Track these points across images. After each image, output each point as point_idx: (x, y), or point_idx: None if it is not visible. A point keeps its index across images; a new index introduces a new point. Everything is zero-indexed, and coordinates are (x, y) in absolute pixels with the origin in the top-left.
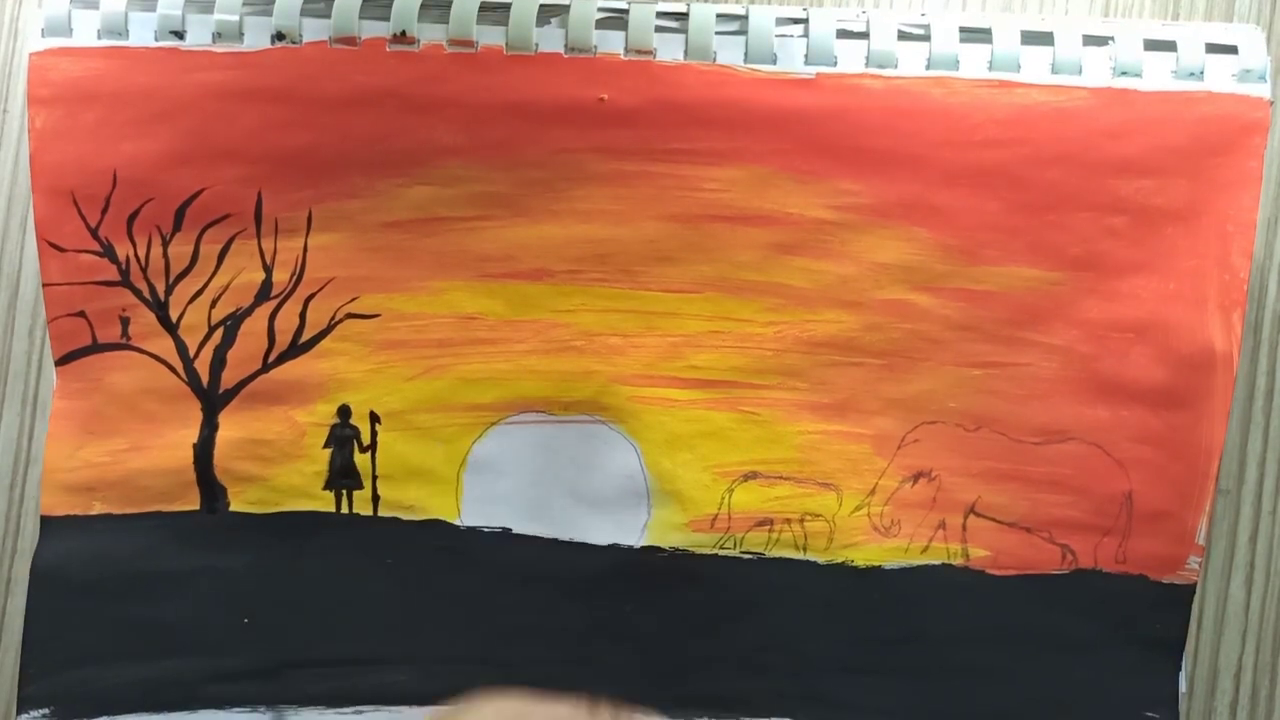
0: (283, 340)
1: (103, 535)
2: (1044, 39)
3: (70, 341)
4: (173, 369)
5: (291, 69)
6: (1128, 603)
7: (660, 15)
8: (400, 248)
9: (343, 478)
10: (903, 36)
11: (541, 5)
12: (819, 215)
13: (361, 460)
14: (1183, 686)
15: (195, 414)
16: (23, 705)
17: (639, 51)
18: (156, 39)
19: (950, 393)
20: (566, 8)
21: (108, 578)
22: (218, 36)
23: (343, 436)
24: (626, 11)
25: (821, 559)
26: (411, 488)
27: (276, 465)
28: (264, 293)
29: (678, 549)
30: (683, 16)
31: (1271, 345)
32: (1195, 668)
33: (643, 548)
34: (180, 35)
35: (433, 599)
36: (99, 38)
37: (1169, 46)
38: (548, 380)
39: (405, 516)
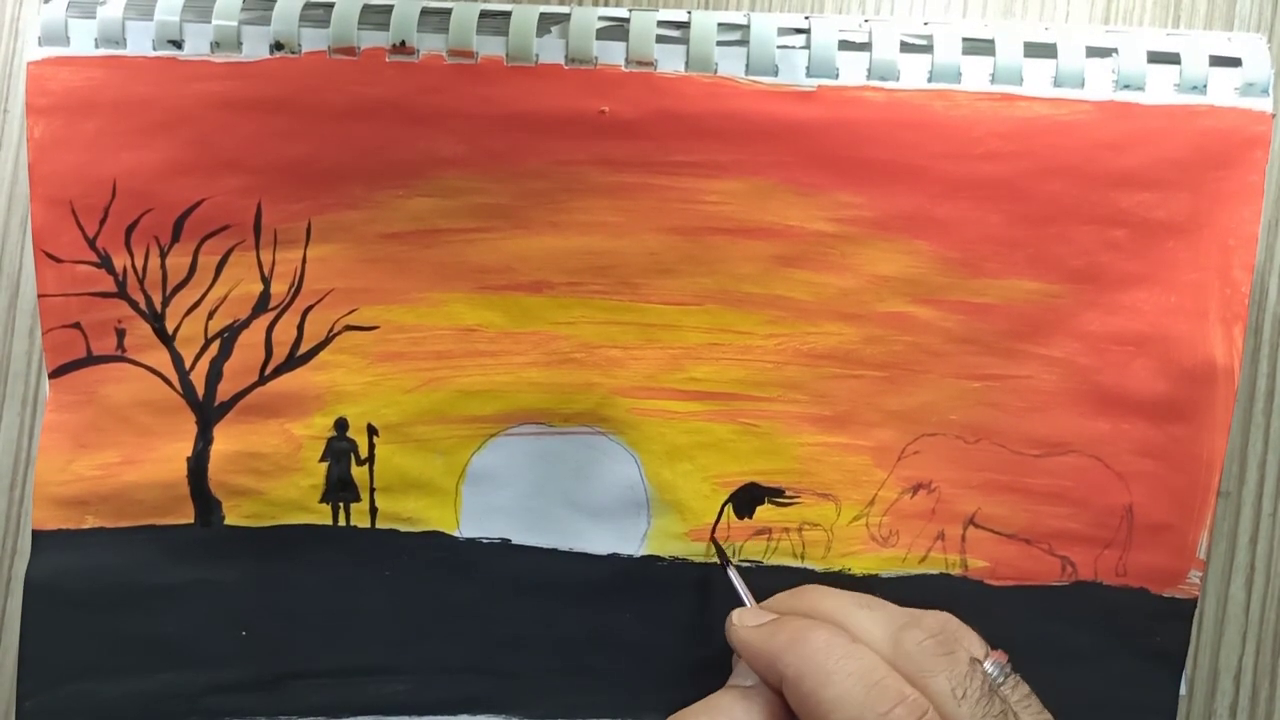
0: (280, 352)
1: (96, 549)
2: (1047, 51)
3: (65, 354)
4: (168, 381)
5: (290, 79)
6: (1128, 615)
7: (661, 24)
8: (399, 259)
9: (340, 491)
10: (905, 48)
11: (542, 14)
12: (820, 228)
13: (359, 473)
14: (1182, 689)
15: (190, 427)
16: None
17: (640, 63)
18: (154, 48)
19: (950, 405)
20: (567, 16)
21: (102, 591)
22: (216, 46)
23: (339, 449)
24: (628, 20)
25: (819, 567)
26: (410, 500)
27: (272, 479)
28: (262, 304)
29: (677, 558)
30: (684, 25)
31: (1272, 348)
32: (1195, 669)
33: (642, 557)
34: (178, 44)
35: (432, 610)
36: (96, 47)
37: (1172, 59)
38: (547, 392)
39: (403, 528)
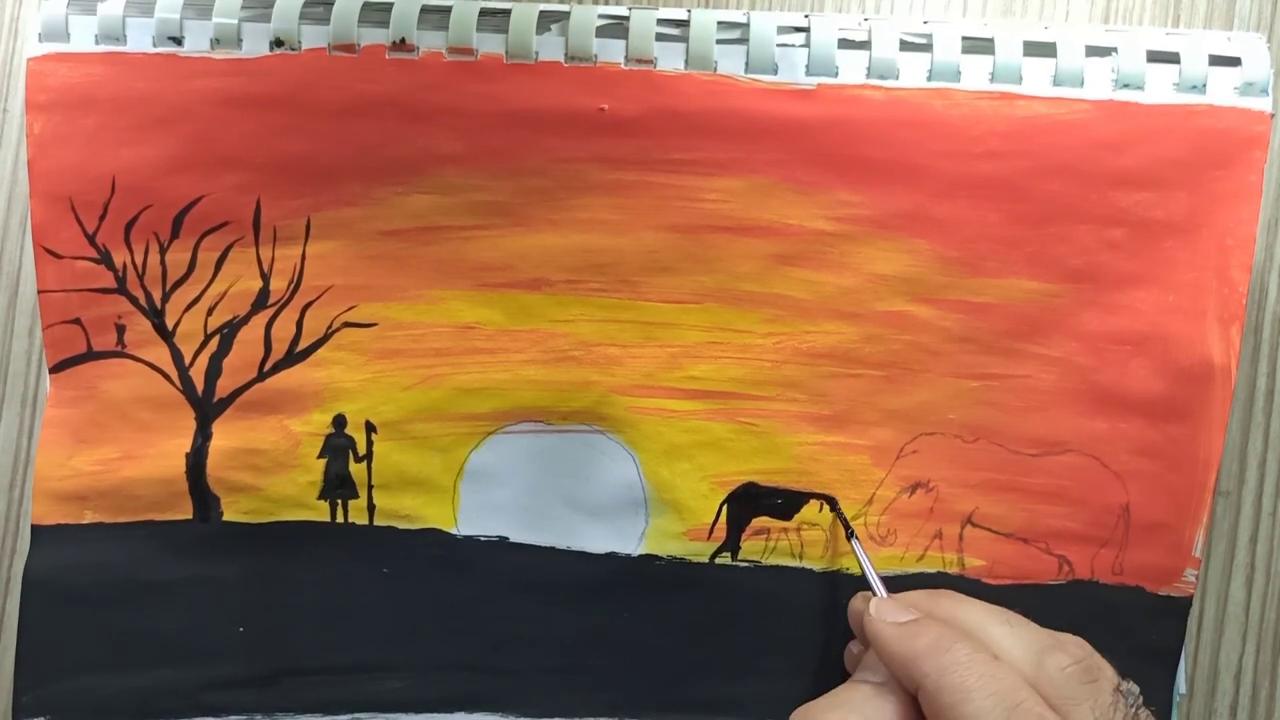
0: (279, 349)
1: (95, 544)
2: (1046, 50)
3: (65, 349)
4: (167, 377)
5: (290, 76)
6: (1124, 614)
7: (661, 23)
8: (398, 256)
9: (338, 488)
10: (905, 46)
11: (542, 12)
12: (819, 226)
13: (357, 470)
14: (1182, 688)
15: (189, 423)
16: (18, 715)
17: (639, 61)
18: (154, 45)
19: (949, 404)
20: (567, 14)
21: (101, 587)
22: (216, 43)
23: (338, 446)
24: (627, 18)
25: (817, 567)
26: (408, 497)
27: (271, 475)
28: (261, 301)
29: (675, 557)
30: (683, 24)
31: (1272, 347)
32: (1195, 668)
33: (640, 556)
34: (178, 41)
35: (429, 607)
36: (96, 43)
37: (1172, 58)
38: (545, 390)
39: (401, 525)
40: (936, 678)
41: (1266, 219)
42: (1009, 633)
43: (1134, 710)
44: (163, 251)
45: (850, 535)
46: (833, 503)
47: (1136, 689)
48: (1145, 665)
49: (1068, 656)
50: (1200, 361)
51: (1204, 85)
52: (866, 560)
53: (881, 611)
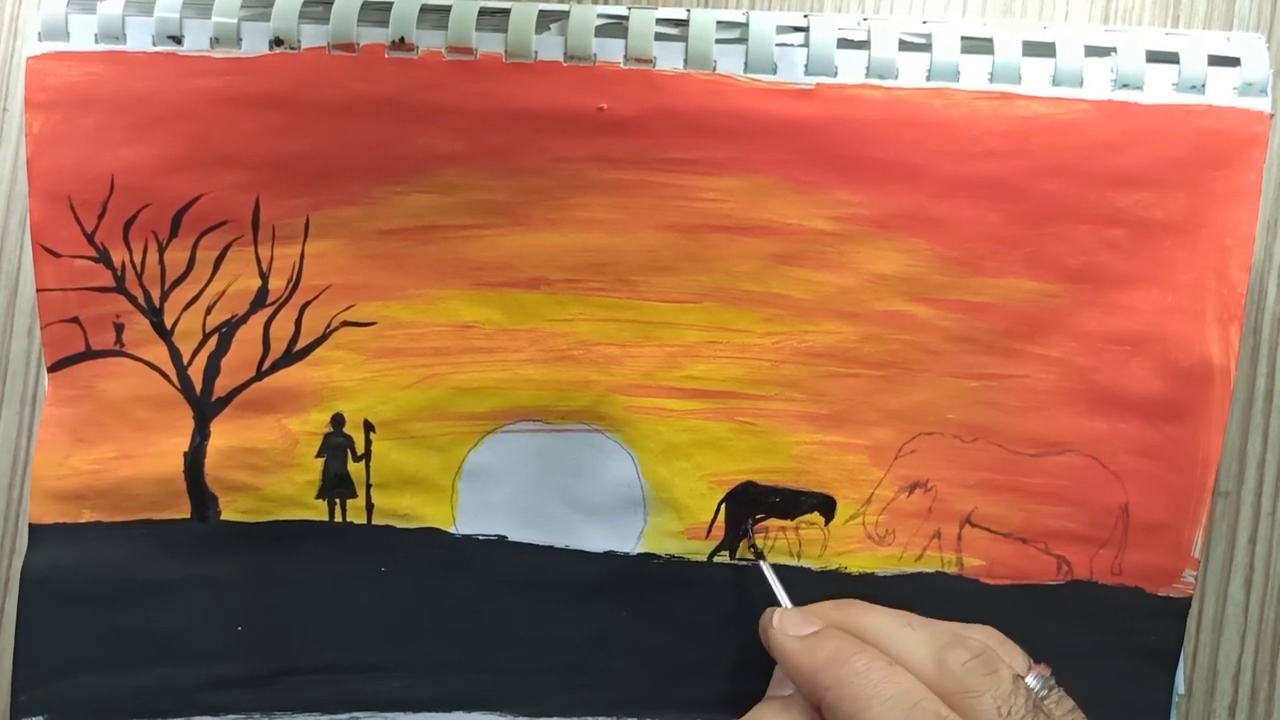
0: (278, 348)
1: (93, 543)
2: (1046, 50)
3: (63, 348)
4: (166, 376)
5: (290, 75)
6: (1123, 614)
7: (660, 22)
8: (397, 255)
9: (336, 487)
10: (904, 46)
11: (541, 11)
12: (818, 226)
13: (355, 469)
14: (1181, 688)
15: (187, 422)
16: (16, 714)
17: (639, 60)
18: (154, 44)
19: (948, 404)
20: (566, 14)
21: (98, 586)
22: (215, 42)
23: (336, 445)
24: (626, 18)
25: (815, 565)
26: (406, 496)
27: (269, 474)
28: (260, 300)
29: (673, 556)
30: (683, 23)
31: (1271, 347)
32: (1194, 669)
33: (638, 555)
34: (178, 40)
35: (428, 606)
36: (96, 42)
37: (1171, 58)
38: (544, 389)
39: (400, 525)
40: (837, 689)
41: (1266, 219)
42: (910, 635)
43: (1043, 695)
44: (161, 250)
45: (760, 557)
46: (750, 539)
47: (1047, 673)
48: (1144, 666)
49: (966, 651)
50: (1199, 362)
51: (1203, 85)
52: (772, 574)
53: (784, 624)
